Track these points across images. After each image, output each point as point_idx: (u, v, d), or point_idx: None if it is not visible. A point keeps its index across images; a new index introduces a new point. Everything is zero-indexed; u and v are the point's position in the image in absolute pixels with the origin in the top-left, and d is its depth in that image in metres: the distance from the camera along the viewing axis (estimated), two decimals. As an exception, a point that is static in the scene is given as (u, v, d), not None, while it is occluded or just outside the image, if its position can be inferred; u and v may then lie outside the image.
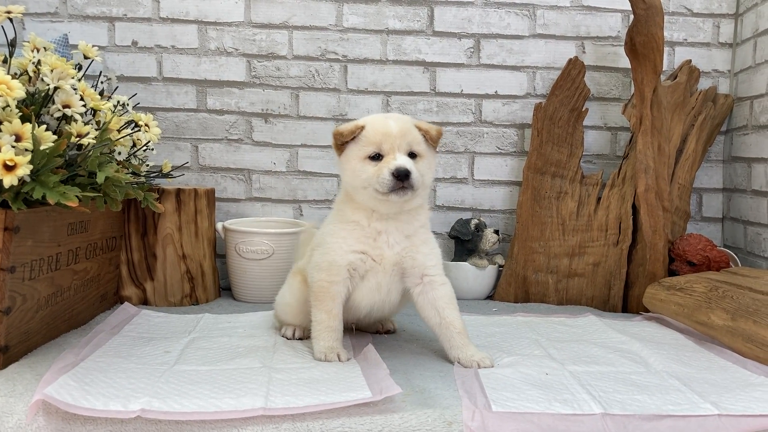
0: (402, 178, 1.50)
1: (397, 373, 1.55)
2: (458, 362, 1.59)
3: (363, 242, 1.61)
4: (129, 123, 1.86)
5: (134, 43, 2.49)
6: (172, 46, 2.50)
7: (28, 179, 1.43)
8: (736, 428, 1.27)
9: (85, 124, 1.61)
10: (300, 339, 1.81)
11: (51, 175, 1.43)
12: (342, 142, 1.59)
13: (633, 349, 1.77)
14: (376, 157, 1.55)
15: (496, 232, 2.41)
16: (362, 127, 1.57)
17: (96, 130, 1.65)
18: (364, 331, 1.91)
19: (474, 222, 2.43)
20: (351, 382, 1.44)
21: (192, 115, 2.52)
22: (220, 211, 2.53)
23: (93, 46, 1.90)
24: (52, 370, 1.42)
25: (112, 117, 1.65)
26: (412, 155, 1.57)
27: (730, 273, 2.09)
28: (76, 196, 1.48)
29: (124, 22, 2.48)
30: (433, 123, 2.53)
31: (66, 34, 2.30)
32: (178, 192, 2.22)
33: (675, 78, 2.46)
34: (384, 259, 1.62)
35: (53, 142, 1.46)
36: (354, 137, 1.58)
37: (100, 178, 1.48)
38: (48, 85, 1.56)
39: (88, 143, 1.54)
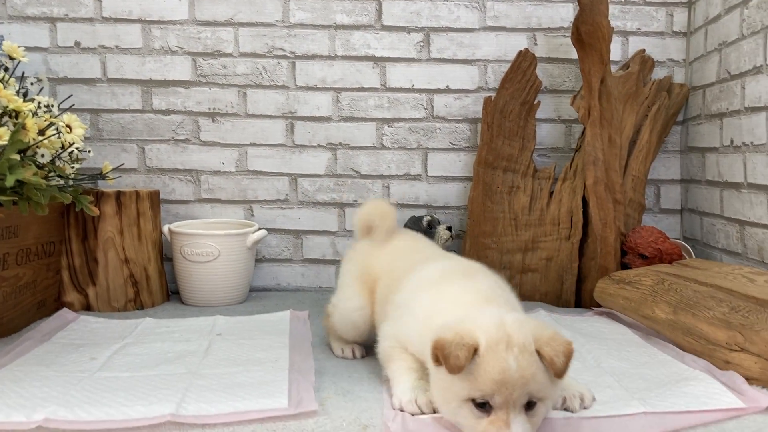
0: None
1: (325, 375, 1.51)
2: None
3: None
4: (52, 125, 1.81)
5: (77, 43, 2.44)
6: (116, 46, 2.45)
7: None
8: (660, 426, 1.23)
9: (0, 126, 1.56)
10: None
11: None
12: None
13: (575, 345, 1.73)
14: (482, 405, 1.13)
15: (449, 228, 2.37)
16: (475, 351, 1.13)
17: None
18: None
19: (426, 219, 2.39)
20: (272, 388, 1.39)
21: (138, 116, 2.47)
22: (169, 214, 2.48)
23: (22, 48, 1.85)
24: (-40, 382, 1.37)
25: (25, 117, 1.60)
26: (530, 404, 1.15)
27: (681, 265, 2.06)
28: (-9, 201, 1.44)
29: (66, 23, 2.43)
30: (385, 119, 2.51)
31: (1, 36, 2.25)
32: (118, 194, 2.17)
33: (627, 68, 2.42)
34: None
35: (-40, 145, 1.42)
36: None
37: (9, 182, 1.43)
38: (-44, 86, 1.51)
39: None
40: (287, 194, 2.51)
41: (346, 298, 1.67)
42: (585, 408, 1.28)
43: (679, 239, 2.47)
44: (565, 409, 1.28)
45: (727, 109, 2.16)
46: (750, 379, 1.36)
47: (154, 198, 2.29)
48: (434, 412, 1.25)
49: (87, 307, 2.17)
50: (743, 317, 1.45)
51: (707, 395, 1.32)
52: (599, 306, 2.14)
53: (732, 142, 2.13)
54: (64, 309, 2.06)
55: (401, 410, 1.26)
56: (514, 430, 1.10)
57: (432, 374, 1.22)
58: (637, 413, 1.26)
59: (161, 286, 2.31)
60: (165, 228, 2.32)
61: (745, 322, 1.43)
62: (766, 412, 1.26)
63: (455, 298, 1.32)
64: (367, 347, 1.69)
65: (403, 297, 1.45)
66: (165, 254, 2.40)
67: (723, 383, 1.38)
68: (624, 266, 2.22)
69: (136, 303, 2.22)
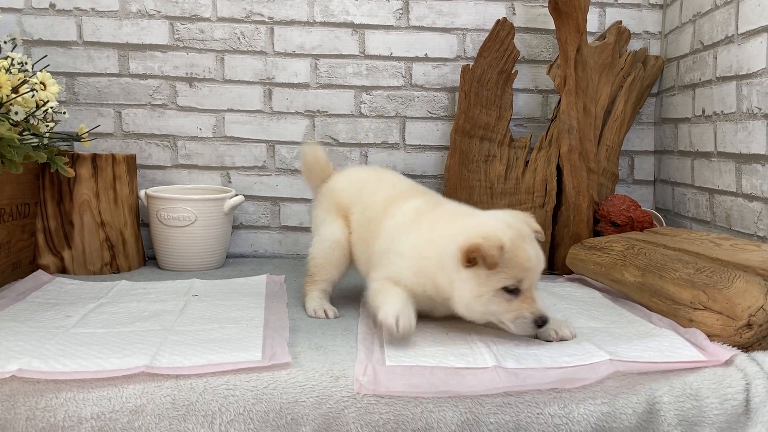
0: (542, 325, 1.41)
1: (299, 332, 1.53)
2: None
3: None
4: (26, 83, 1.79)
5: (52, 5, 2.41)
6: (92, 9, 2.42)
7: None
8: (624, 369, 1.27)
9: (-27, 81, 1.55)
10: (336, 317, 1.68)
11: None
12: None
13: (545, 304, 1.76)
14: (512, 291, 1.39)
15: (426, 196, 2.39)
16: (501, 248, 1.36)
17: (-13, 88, 1.59)
18: None
19: (403, 186, 2.40)
20: (247, 343, 1.41)
21: (114, 80, 2.45)
22: (146, 179, 2.48)
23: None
24: (-67, 334, 1.37)
25: (-3, 73, 1.59)
26: None
27: (651, 232, 2.10)
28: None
29: (41, -17, 2.40)
30: (363, 87, 2.51)
31: (-27, -5, 2.21)
32: (94, 157, 2.16)
33: (603, 39, 2.44)
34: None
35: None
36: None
37: (-19, 136, 1.43)
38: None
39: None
40: (265, 161, 2.52)
41: (325, 230, 1.79)
42: (574, 336, 1.45)
43: (651, 210, 2.51)
44: (561, 339, 1.44)
45: (700, 79, 2.20)
46: (711, 336, 1.40)
47: (131, 162, 2.28)
48: (406, 336, 1.40)
49: (62, 270, 2.17)
50: (707, 277, 1.49)
51: (670, 349, 1.36)
52: (571, 273, 2.17)
53: (703, 111, 2.17)
54: (39, 271, 2.06)
55: (380, 325, 1.40)
56: (539, 303, 1.41)
57: (459, 276, 1.40)
58: (602, 361, 1.30)
59: (138, 251, 2.31)
60: (141, 192, 2.32)
61: (709, 281, 1.47)
62: (725, 365, 1.30)
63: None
64: (340, 308, 1.72)
65: (384, 243, 1.59)
66: (142, 220, 2.40)
67: (686, 339, 1.42)
68: (596, 234, 2.25)
69: (112, 267, 2.22)
